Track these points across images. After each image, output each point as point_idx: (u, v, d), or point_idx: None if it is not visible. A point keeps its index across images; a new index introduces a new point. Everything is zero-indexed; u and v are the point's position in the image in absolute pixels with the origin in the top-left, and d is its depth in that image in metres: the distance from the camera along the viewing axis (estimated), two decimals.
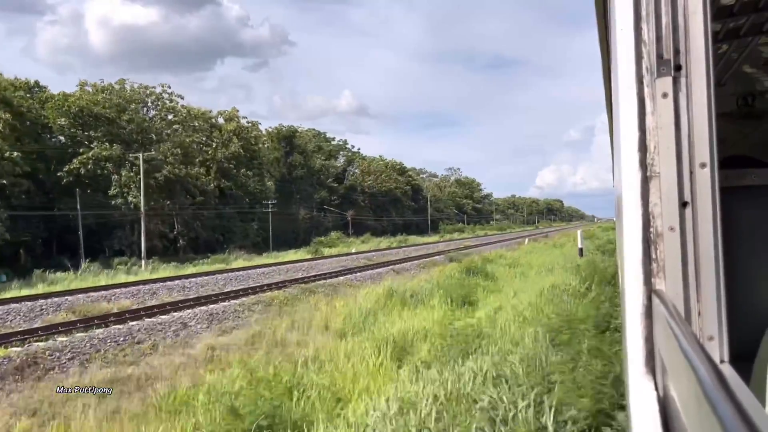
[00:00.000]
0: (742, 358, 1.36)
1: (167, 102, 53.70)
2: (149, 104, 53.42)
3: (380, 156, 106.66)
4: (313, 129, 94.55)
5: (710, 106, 1.23)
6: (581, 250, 26.45)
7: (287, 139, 74.95)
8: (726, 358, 1.24)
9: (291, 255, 48.09)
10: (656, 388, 1.19)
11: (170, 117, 53.83)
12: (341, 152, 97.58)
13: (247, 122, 64.69)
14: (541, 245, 45.81)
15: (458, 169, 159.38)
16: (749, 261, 2.16)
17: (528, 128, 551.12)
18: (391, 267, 32.89)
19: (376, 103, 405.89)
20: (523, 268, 25.86)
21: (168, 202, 49.40)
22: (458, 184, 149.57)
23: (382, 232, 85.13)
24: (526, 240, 55.15)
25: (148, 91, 52.74)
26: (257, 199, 62.76)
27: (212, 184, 55.24)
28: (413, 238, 76.68)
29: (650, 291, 1.25)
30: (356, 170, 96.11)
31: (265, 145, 67.98)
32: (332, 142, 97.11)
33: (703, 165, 1.23)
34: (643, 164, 1.26)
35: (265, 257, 46.80)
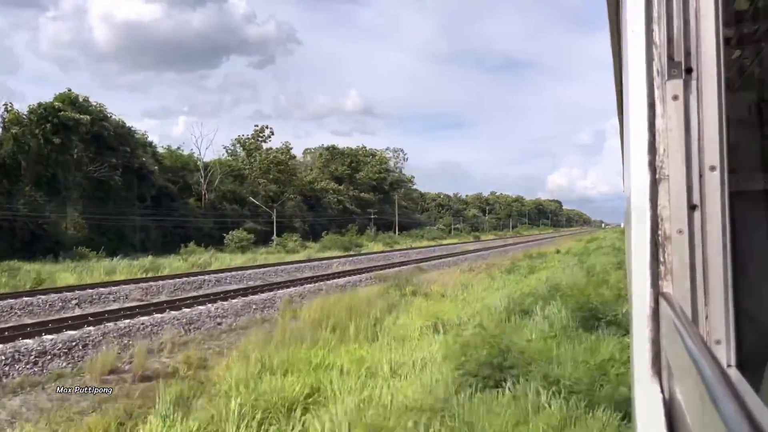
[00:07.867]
0: (749, 362, 1.35)
1: None
2: None
3: None
4: None
5: (721, 109, 1.22)
6: None
7: None
8: (733, 362, 1.23)
9: None
10: (662, 391, 1.19)
11: None
12: None
13: None
14: None
15: (401, 150, 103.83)
16: (758, 265, 2.14)
17: (538, 131, 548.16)
18: None
19: (383, 103, 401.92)
20: None
21: None
22: (331, 155, 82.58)
23: None
24: None
25: None
26: None
27: None
28: None
29: (657, 293, 1.24)
30: None
31: None
32: None
33: (712, 168, 1.22)
34: (653, 167, 1.25)
35: None
